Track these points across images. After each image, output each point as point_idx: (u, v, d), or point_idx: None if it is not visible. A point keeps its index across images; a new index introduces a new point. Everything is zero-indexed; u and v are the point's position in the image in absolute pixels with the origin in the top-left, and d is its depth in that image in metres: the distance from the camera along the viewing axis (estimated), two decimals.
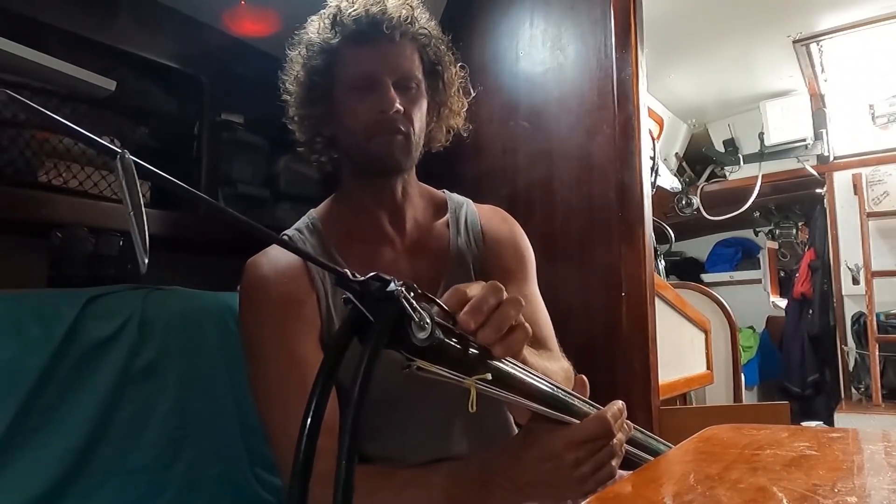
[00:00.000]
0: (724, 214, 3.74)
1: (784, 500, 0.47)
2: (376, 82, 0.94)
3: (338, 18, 0.94)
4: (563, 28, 1.55)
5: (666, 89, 3.18)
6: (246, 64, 1.46)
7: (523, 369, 0.67)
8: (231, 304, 1.10)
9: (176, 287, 1.17)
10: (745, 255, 4.77)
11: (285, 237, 0.89)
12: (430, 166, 1.09)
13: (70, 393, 0.95)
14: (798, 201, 4.11)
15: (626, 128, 1.43)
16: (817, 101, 3.37)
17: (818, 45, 2.84)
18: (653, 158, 2.56)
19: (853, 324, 3.40)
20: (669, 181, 3.55)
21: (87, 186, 1.17)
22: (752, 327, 4.42)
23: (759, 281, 4.53)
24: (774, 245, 4.46)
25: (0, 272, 1.14)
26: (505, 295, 0.62)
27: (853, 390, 3.40)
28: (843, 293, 3.45)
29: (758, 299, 4.46)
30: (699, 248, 4.87)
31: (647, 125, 1.51)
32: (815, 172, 3.49)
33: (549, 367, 0.87)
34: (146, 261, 0.41)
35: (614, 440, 0.74)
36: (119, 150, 0.41)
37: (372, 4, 0.94)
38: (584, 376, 0.81)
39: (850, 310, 3.43)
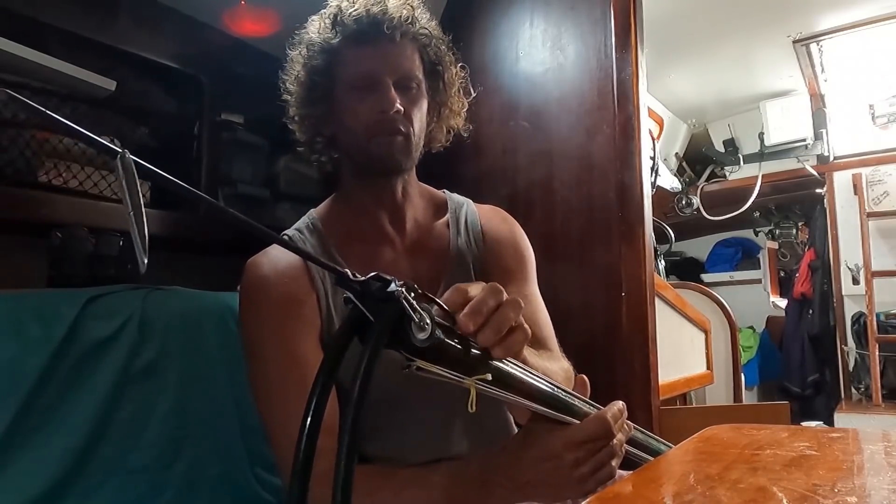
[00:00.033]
0: (724, 214, 3.74)
1: (784, 500, 0.47)
2: (377, 82, 0.94)
3: (338, 18, 0.95)
4: (563, 28, 1.55)
5: (666, 89, 3.18)
6: (246, 64, 1.46)
7: (523, 369, 0.67)
8: (231, 304, 1.11)
9: (176, 287, 1.17)
10: (745, 255, 4.77)
11: (285, 237, 0.89)
12: (430, 166, 1.09)
13: (70, 393, 0.95)
14: (798, 201, 4.11)
15: (626, 128, 1.43)
16: (817, 101, 3.37)
17: (818, 45, 2.84)
18: (653, 158, 2.55)
19: (853, 324, 3.40)
20: (669, 181, 3.55)
21: (87, 186, 1.17)
22: (752, 327, 4.42)
23: (759, 281, 4.53)
24: (774, 245, 4.46)
25: (0, 272, 1.14)
26: (505, 296, 0.62)
27: (853, 390, 3.40)
28: (843, 293, 3.45)
29: (758, 299, 4.46)
30: (699, 248, 4.87)
31: (647, 125, 1.51)
32: (815, 172, 3.49)
33: (550, 368, 0.87)
34: (146, 261, 0.41)
35: (614, 440, 0.74)
36: (119, 150, 0.41)
37: (373, 4, 0.94)
38: (584, 376, 0.81)
39: (850, 310, 3.43)
